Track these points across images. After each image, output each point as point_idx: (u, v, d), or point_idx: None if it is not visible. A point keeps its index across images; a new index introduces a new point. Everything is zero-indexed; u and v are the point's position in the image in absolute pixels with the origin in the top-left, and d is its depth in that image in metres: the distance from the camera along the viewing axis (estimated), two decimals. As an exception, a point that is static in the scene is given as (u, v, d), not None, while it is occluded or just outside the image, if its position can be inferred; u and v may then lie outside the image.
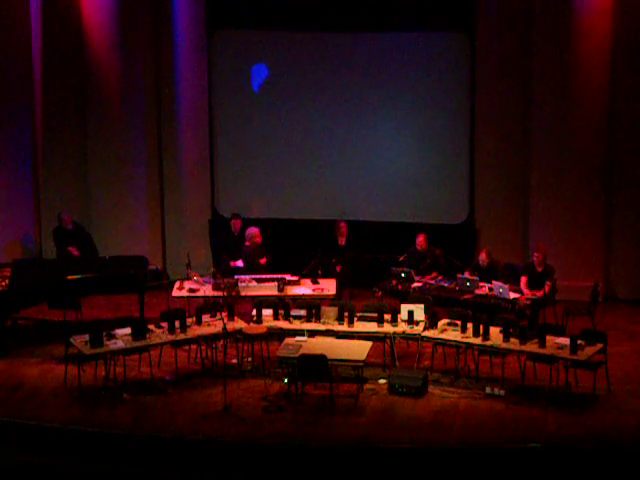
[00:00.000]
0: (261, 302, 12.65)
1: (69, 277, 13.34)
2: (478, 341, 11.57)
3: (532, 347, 11.30)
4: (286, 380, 11.47)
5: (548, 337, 11.35)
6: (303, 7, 15.26)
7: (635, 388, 11.56)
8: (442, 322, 12.12)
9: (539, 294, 12.96)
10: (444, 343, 11.94)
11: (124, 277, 13.61)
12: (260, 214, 15.78)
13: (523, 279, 13.14)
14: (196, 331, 12.05)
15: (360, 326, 12.18)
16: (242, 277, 13.48)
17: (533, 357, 11.42)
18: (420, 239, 14.02)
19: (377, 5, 15.01)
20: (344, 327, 12.11)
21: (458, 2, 14.91)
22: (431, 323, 12.03)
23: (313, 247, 14.49)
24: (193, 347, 12.39)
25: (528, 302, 12.79)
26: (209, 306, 12.77)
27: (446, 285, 13.39)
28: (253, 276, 13.59)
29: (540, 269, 13.11)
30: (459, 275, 13.33)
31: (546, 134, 14.64)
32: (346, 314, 12.17)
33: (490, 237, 15.07)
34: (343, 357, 11.29)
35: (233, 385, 11.58)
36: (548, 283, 13.01)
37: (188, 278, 13.67)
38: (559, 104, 14.48)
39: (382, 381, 11.77)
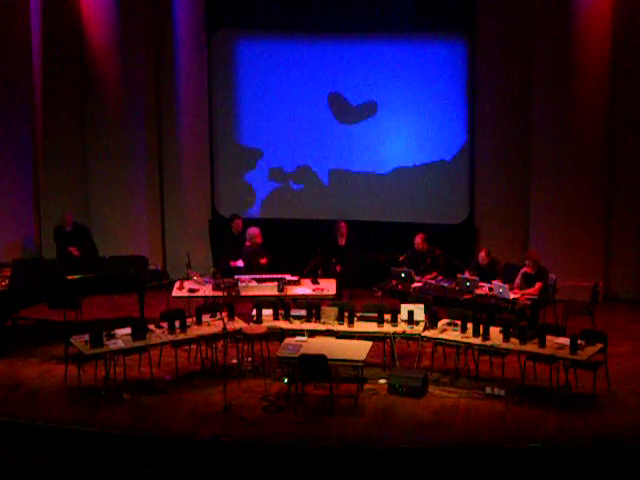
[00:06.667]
0: (261, 302, 12.65)
1: (69, 277, 13.34)
2: (478, 341, 11.57)
3: (532, 347, 11.30)
4: (286, 380, 11.47)
5: (548, 337, 11.35)
6: (303, 8, 15.27)
7: (635, 388, 11.56)
8: (442, 322, 12.12)
9: (530, 291, 12.93)
10: (444, 343, 11.94)
11: (124, 277, 13.60)
12: (260, 214, 15.78)
13: (516, 280, 13.14)
14: (196, 331, 12.05)
15: (360, 326, 12.17)
16: (242, 277, 13.48)
17: (533, 357, 11.42)
18: (418, 239, 14.01)
19: (377, 7, 15.00)
20: (344, 327, 12.11)
21: (458, 3, 14.91)
22: (431, 323, 12.03)
23: (313, 247, 14.49)
24: (193, 347, 12.40)
25: (528, 302, 12.79)
26: (209, 306, 12.77)
27: (446, 285, 13.38)
28: (253, 276, 13.59)
29: (533, 272, 13.08)
30: (459, 275, 13.33)
31: (546, 134, 14.64)
32: (346, 314, 12.17)
33: (490, 237, 15.07)
34: (343, 357, 11.28)
35: (233, 385, 11.58)
36: (539, 283, 12.99)
37: (188, 278, 13.67)
38: (559, 104, 14.48)
39: (382, 381, 11.77)
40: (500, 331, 11.56)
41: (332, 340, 11.83)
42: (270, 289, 13.27)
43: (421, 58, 15.19)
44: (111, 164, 15.75)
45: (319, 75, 15.52)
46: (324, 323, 12.19)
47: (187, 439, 10.41)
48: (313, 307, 12.35)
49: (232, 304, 12.69)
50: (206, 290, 13.29)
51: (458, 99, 15.15)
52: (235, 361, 12.33)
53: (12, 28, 15.24)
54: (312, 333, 12.02)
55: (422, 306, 12.25)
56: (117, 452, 10.30)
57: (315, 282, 13.61)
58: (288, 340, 11.78)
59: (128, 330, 11.76)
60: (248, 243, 14.34)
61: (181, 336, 11.92)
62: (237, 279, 13.35)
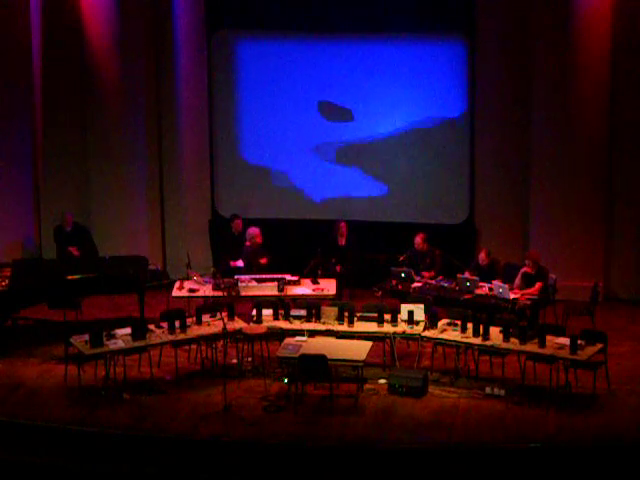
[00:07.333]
0: (261, 302, 12.65)
1: (69, 277, 13.34)
2: (478, 341, 11.58)
3: (532, 347, 11.30)
4: (286, 380, 11.47)
5: (548, 337, 11.35)
6: (303, 8, 15.26)
7: (635, 388, 11.56)
8: (442, 322, 12.12)
9: (530, 291, 12.94)
10: (444, 343, 11.94)
11: (124, 277, 13.60)
12: (260, 214, 15.78)
13: (516, 280, 13.14)
14: (196, 331, 12.05)
15: (360, 326, 12.17)
16: (242, 277, 13.48)
17: (533, 357, 11.42)
18: (418, 239, 14.01)
19: (377, 7, 15.00)
20: (344, 327, 12.11)
21: (458, 4, 14.91)
22: (431, 323, 12.03)
23: (313, 247, 14.48)
24: (193, 347, 12.39)
25: (528, 302, 12.79)
26: (209, 306, 12.76)
27: (446, 285, 13.37)
28: (253, 276, 13.59)
29: (533, 272, 13.08)
30: (459, 275, 13.33)
31: (546, 134, 14.64)
32: (346, 314, 12.17)
33: (490, 237, 15.07)
34: (343, 357, 11.29)
35: (233, 385, 11.58)
36: (539, 283, 12.99)
37: (188, 278, 13.67)
38: (559, 104, 14.48)
39: (382, 381, 11.77)
40: (500, 331, 11.56)
41: (332, 340, 11.83)
42: (270, 289, 13.27)
43: (421, 58, 15.17)
44: (111, 164, 15.73)
45: (319, 75, 15.50)
46: (324, 323, 12.19)
47: (187, 439, 10.41)
48: (313, 307, 12.35)
49: (232, 304, 12.69)
50: (206, 290, 13.29)
51: (458, 99, 15.15)
52: (235, 361, 12.33)
53: (12, 28, 15.24)
54: (312, 333, 12.02)
55: (422, 306, 12.25)
56: (117, 452, 10.30)
57: (315, 282, 13.61)
58: (288, 340, 11.78)
59: (128, 330, 11.77)
60: (248, 243, 14.34)
61: (181, 336, 11.92)
62: (237, 279, 13.35)
